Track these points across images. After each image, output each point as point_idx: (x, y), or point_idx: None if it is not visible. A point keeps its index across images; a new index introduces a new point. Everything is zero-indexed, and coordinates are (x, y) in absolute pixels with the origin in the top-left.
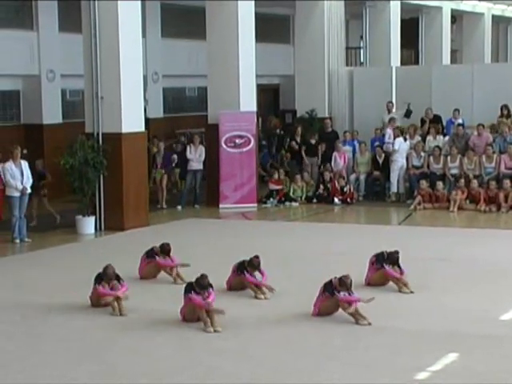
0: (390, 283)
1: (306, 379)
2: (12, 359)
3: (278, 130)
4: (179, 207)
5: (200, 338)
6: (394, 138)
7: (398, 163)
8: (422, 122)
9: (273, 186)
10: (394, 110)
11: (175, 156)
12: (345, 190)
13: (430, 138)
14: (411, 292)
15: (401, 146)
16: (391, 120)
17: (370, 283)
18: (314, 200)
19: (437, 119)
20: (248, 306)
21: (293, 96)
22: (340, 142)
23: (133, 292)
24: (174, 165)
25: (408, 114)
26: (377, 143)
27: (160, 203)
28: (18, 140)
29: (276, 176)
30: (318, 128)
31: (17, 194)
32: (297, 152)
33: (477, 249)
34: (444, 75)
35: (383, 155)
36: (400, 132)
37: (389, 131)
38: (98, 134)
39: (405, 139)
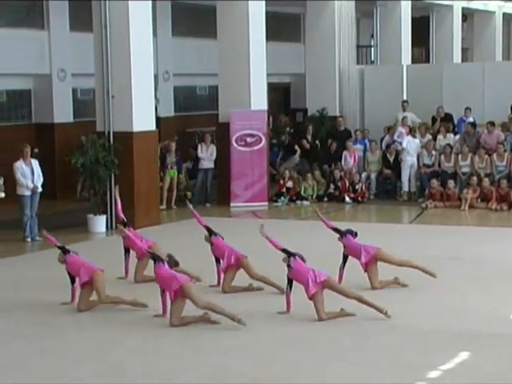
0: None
1: (313, 379)
2: (21, 358)
3: (287, 129)
4: (190, 206)
5: (207, 337)
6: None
7: (408, 162)
8: (433, 120)
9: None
10: (408, 108)
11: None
12: (357, 187)
13: (440, 136)
14: None
15: (410, 145)
16: (404, 118)
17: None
18: (325, 199)
19: (448, 118)
20: (255, 305)
21: (304, 95)
22: (351, 141)
23: (139, 291)
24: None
25: None
26: (386, 142)
27: (167, 204)
28: (29, 139)
29: (287, 175)
30: (330, 126)
31: (28, 193)
32: (308, 151)
33: (488, 247)
34: (455, 73)
35: (394, 154)
36: (409, 130)
37: (400, 129)
38: (109, 133)
39: (414, 136)
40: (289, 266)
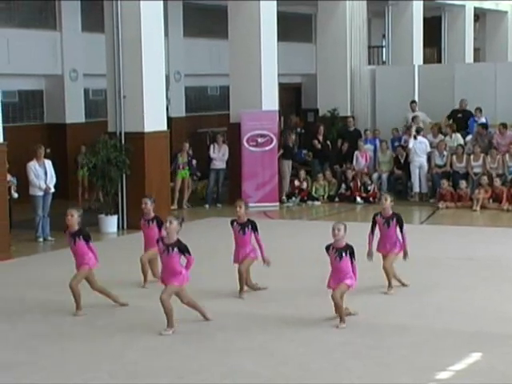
0: None
1: (327, 378)
2: (34, 357)
3: (298, 129)
4: (207, 206)
5: (220, 338)
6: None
7: (416, 163)
8: (454, 113)
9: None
10: (417, 109)
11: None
12: (369, 188)
13: (447, 138)
14: None
15: (417, 146)
16: (415, 118)
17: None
18: (337, 199)
19: (467, 113)
20: (269, 305)
21: (315, 95)
22: (361, 141)
23: (151, 292)
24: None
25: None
26: (397, 143)
27: (178, 204)
28: (41, 139)
29: (302, 176)
30: (341, 126)
31: (40, 194)
32: (319, 151)
33: (500, 248)
34: (467, 74)
35: (404, 154)
36: (416, 131)
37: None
38: (120, 133)
39: (414, 137)
40: None
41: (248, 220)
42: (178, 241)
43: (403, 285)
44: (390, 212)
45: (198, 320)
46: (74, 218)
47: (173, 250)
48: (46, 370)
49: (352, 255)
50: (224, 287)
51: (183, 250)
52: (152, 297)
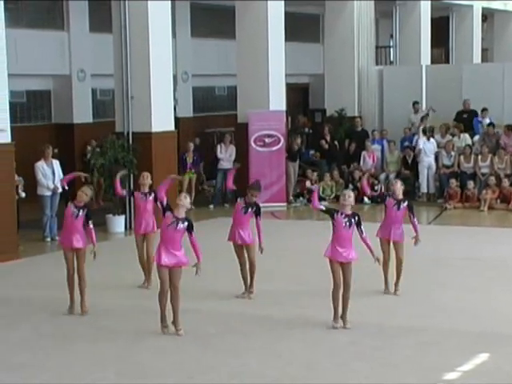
0: None
1: (333, 379)
2: (39, 358)
3: (306, 129)
4: (211, 206)
5: (227, 339)
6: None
7: (424, 163)
8: (460, 114)
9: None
10: (423, 108)
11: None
12: (376, 188)
13: (455, 138)
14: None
15: (426, 146)
16: (424, 118)
17: None
18: None
19: (473, 113)
20: (274, 306)
21: (322, 95)
22: (369, 141)
23: (155, 292)
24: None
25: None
26: (406, 143)
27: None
28: (48, 139)
29: (314, 179)
30: (348, 127)
31: (48, 193)
32: (327, 151)
33: (507, 248)
34: (475, 74)
35: (412, 154)
36: (423, 131)
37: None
38: (128, 134)
39: (428, 139)
40: None
41: (255, 202)
42: (188, 218)
43: (387, 289)
44: (401, 196)
45: (202, 321)
46: (88, 195)
47: (182, 223)
48: (53, 370)
49: (359, 224)
50: (228, 288)
51: (191, 227)
52: (155, 298)
